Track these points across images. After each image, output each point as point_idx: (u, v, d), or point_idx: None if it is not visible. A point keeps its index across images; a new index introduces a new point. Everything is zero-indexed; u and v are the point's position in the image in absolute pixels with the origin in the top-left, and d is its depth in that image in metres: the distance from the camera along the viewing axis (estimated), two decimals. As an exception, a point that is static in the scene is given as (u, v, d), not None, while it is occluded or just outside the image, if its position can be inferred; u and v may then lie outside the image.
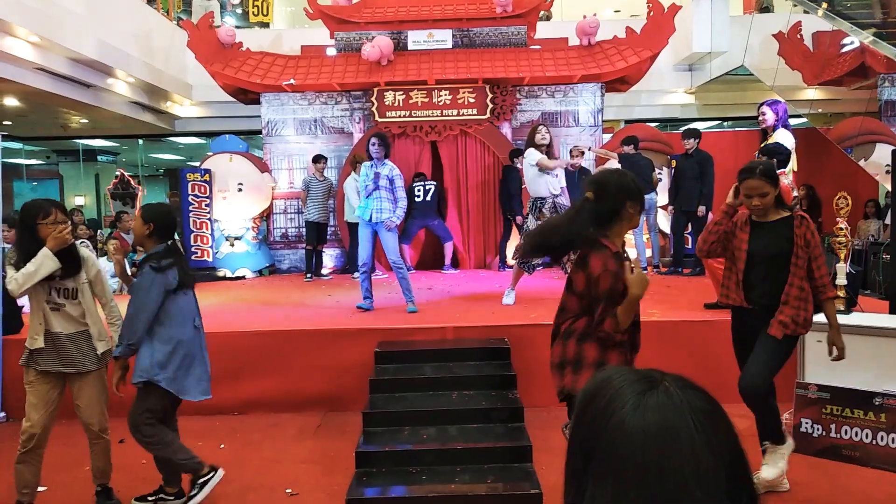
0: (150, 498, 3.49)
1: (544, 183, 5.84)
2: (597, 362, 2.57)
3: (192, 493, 3.37)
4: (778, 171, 4.90)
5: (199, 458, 3.41)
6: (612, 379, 0.79)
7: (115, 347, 3.30)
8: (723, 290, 3.38)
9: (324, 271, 9.02)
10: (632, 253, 6.54)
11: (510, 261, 8.50)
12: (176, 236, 3.51)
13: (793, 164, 5.57)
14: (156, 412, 3.30)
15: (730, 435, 0.74)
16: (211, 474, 3.39)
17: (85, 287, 3.38)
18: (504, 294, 6.04)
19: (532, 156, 5.80)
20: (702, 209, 7.33)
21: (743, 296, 3.25)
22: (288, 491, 3.63)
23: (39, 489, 3.52)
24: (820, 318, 4.43)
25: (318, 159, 8.65)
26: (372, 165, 5.83)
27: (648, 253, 9.11)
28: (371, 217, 5.69)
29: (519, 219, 7.96)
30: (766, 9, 12.42)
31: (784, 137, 5.53)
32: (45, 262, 3.15)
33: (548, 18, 12.66)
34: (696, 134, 7.58)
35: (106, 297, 3.50)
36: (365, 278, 5.83)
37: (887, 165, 8.10)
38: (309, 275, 8.56)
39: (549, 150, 5.89)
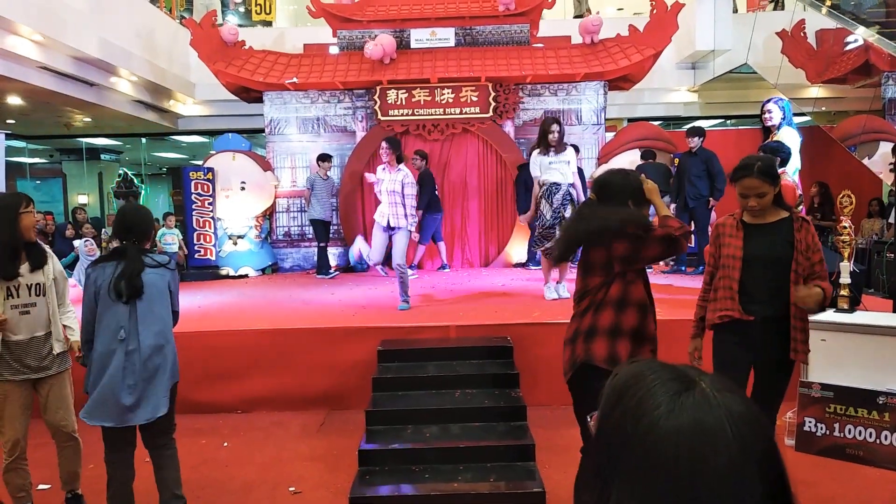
0: None
1: (563, 171, 5.86)
2: (611, 327, 2.57)
3: None
4: (779, 171, 4.92)
5: None
6: (644, 376, 0.75)
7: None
8: (718, 306, 2.99)
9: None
10: None
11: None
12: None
13: (797, 162, 5.56)
14: (106, 437, 3.00)
15: (767, 441, 0.71)
16: None
17: (51, 285, 3.29)
18: (544, 290, 6.06)
19: (533, 167, 5.94)
20: (712, 200, 7.39)
21: (740, 307, 2.89)
22: (291, 489, 3.64)
23: (41, 487, 3.54)
24: (820, 317, 4.43)
25: (323, 158, 8.65)
26: (384, 169, 5.93)
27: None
28: (388, 222, 5.83)
29: (523, 218, 7.95)
30: (779, 4, 12.40)
31: (789, 135, 5.52)
32: None
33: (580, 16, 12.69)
34: (700, 132, 7.57)
35: (64, 297, 3.42)
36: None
37: (891, 163, 8.09)
38: (334, 271, 8.61)
39: (559, 145, 5.90)
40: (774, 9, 12.29)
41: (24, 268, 3.19)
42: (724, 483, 0.67)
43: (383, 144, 5.95)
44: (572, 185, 5.88)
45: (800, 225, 2.88)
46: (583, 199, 6.11)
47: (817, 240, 2.93)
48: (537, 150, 5.96)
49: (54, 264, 3.36)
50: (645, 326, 2.65)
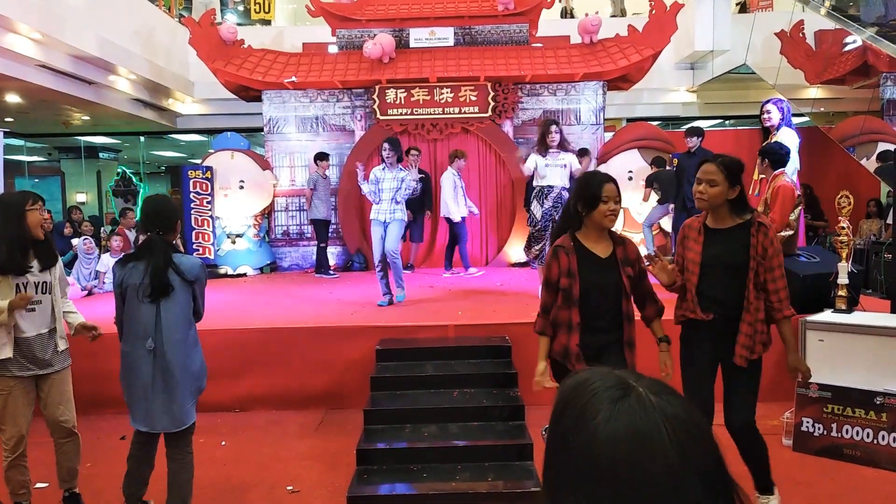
0: None
1: (558, 174, 5.88)
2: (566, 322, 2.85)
3: None
4: (777, 171, 4.92)
5: (133, 495, 3.21)
6: (588, 383, 0.75)
7: None
8: (682, 307, 3.05)
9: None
10: (642, 249, 6.59)
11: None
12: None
13: (796, 163, 5.57)
14: (136, 434, 3.14)
15: (706, 442, 0.70)
16: None
17: (56, 284, 3.33)
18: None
19: (529, 164, 5.97)
20: None
21: (699, 309, 2.94)
22: (289, 488, 3.64)
23: (39, 485, 3.53)
24: (819, 317, 4.44)
25: (321, 157, 8.64)
26: (383, 169, 6.03)
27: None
28: (384, 218, 5.99)
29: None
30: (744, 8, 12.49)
31: (788, 136, 5.52)
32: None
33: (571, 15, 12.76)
34: (699, 132, 7.58)
35: (63, 293, 3.46)
36: (382, 276, 6.05)
37: (886, 163, 8.10)
38: (333, 271, 8.66)
39: (562, 144, 5.91)
40: (740, 12, 12.35)
41: (34, 265, 3.23)
42: (664, 488, 0.66)
43: (385, 144, 6.06)
44: (566, 188, 5.89)
45: (756, 228, 2.86)
46: None
47: (777, 245, 2.88)
48: (535, 150, 5.99)
49: (59, 264, 3.39)
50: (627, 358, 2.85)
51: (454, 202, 8.02)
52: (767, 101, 5.75)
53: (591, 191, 2.77)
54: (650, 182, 8.29)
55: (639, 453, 0.68)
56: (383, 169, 6.04)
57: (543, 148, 5.90)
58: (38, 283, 3.25)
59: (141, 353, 2.96)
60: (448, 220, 8.16)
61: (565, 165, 5.91)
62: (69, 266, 7.89)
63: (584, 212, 2.77)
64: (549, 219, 5.80)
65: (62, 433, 3.35)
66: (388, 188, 5.99)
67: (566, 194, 5.92)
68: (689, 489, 0.67)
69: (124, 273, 2.99)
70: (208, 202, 9.00)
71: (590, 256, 2.80)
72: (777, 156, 4.89)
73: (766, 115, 5.64)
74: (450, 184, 8.08)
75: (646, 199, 8.47)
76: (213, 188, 9.03)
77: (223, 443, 4.36)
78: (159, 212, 3.09)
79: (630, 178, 8.87)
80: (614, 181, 2.82)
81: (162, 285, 2.93)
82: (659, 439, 0.68)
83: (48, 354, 3.26)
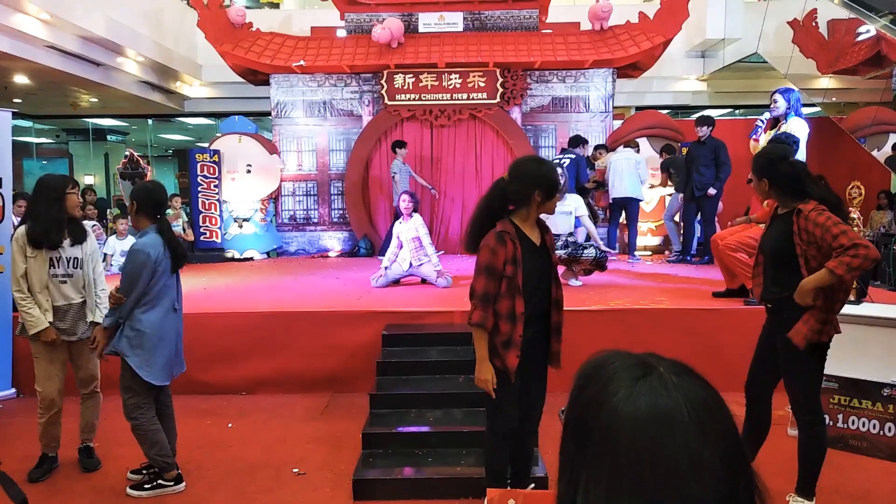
0: (144, 471, 3.49)
1: (562, 221, 5.85)
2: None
3: (145, 484, 3.38)
4: None
5: (174, 463, 3.43)
6: (607, 363, 0.76)
7: (105, 318, 3.40)
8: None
9: (331, 254, 9.03)
10: (581, 235, 6.55)
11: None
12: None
13: (803, 153, 5.52)
14: (137, 392, 3.33)
15: (726, 423, 0.71)
16: (171, 483, 3.39)
17: (88, 260, 3.68)
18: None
19: None
20: (712, 190, 7.28)
21: (761, 294, 3.06)
22: (295, 470, 3.66)
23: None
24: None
25: (401, 144, 8.53)
26: (400, 222, 6.22)
27: (657, 241, 9.09)
28: (409, 264, 6.20)
29: None
30: None
31: (797, 126, 5.47)
32: (39, 323, 3.48)
33: None
34: (709, 121, 7.52)
35: (97, 271, 3.75)
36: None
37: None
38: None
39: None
40: None
41: (66, 242, 3.58)
42: (684, 466, 0.67)
43: (405, 196, 6.20)
44: (571, 234, 5.92)
45: (797, 215, 2.84)
46: (596, 240, 6.24)
47: (826, 221, 2.75)
48: None
49: (91, 241, 3.74)
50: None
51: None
52: (776, 91, 5.70)
53: (554, 179, 2.76)
54: (666, 167, 8.23)
55: (659, 431, 0.68)
56: (401, 222, 6.21)
57: None
58: (70, 258, 3.60)
59: (171, 316, 3.40)
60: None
61: (570, 213, 5.87)
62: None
63: (541, 199, 2.71)
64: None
65: (88, 390, 3.71)
66: (406, 238, 6.14)
67: (570, 240, 5.91)
68: (710, 469, 0.67)
69: (156, 252, 3.29)
70: (215, 186, 9.00)
71: (528, 243, 2.72)
72: (784, 146, 4.85)
73: (772, 105, 5.60)
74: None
75: (664, 184, 8.43)
76: (220, 172, 9.03)
77: (230, 425, 4.39)
78: (158, 198, 3.45)
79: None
80: None
81: (185, 256, 3.46)
82: (680, 418, 0.68)
83: (79, 323, 3.62)
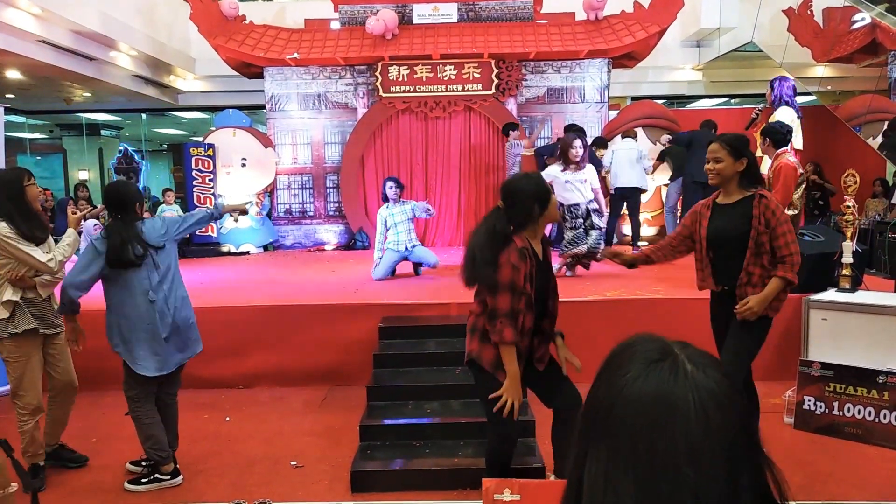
0: (143, 463, 3.50)
1: (580, 189, 5.80)
2: (492, 364, 2.74)
3: (142, 478, 3.38)
4: (779, 150, 4.88)
5: (169, 457, 3.41)
6: (632, 346, 0.77)
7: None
8: (697, 277, 3.28)
9: (328, 247, 9.01)
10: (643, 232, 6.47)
11: None
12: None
13: (798, 141, 5.53)
14: (132, 385, 3.35)
15: (735, 418, 0.70)
16: (168, 477, 3.39)
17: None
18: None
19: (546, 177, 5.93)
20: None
21: (712, 280, 3.17)
22: (293, 463, 3.67)
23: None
24: (822, 296, 4.43)
25: (512, 127, 8.27)
26: (387, 207, 6.19)
27: (653, 231, 9.09)
28: (405, 247, 6.19)
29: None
30: None
31: (784, 114, 5.48)
32: (74, 238, 3.52)
33: None
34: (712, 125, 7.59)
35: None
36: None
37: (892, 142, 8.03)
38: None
39: (581, 162, 5.79)
40: None
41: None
42: (683, 454, 0.67)
43: (391, 183, 6.22)
44: (591, 200, 5.85)
45: (758, 201, 2.98)
46: (605, 210, 6.21)
47: (780, 213, 2.96)
48: (557, 164, 5.87)
49: (49, 240, 3.57)
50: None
51: None
52: (773, 80, 5.72)
53: (545, 187, 2.73)
54: (663, 156, 8.18)
55: (661, 415, 0.69)
56: (387, 207, 6.20)
57: (565, 162, 5.74)
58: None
59: (146, 307, 3.32)
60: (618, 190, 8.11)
61: (585, 181, 5.79)
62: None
63: (539, 211, 2.68)
64: (582, 230, 5.83)
65: (70, 391, 3.63)
66: (401, 220, 6.15)
67: (594, 205, 5.88)
68: (709, 459, 0.67)
69: (98, 250, 3.24)
70: (210, 180, 8.98)
71: (536, 258, 2.71)
72: (779, 135, 4.85)
73: (767, 93, 5.64)
74: (625, 158, 8.03)
75: (652, 172, 8.31)
76: (215, 166, 9.00)
77: (227, 418, 4.39)
78: (122, 197, 3.41)
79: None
80: None
81: (131, 256, 3.29)
82: (684, 407, 0.69)
83: (51, 315, 3.50)
